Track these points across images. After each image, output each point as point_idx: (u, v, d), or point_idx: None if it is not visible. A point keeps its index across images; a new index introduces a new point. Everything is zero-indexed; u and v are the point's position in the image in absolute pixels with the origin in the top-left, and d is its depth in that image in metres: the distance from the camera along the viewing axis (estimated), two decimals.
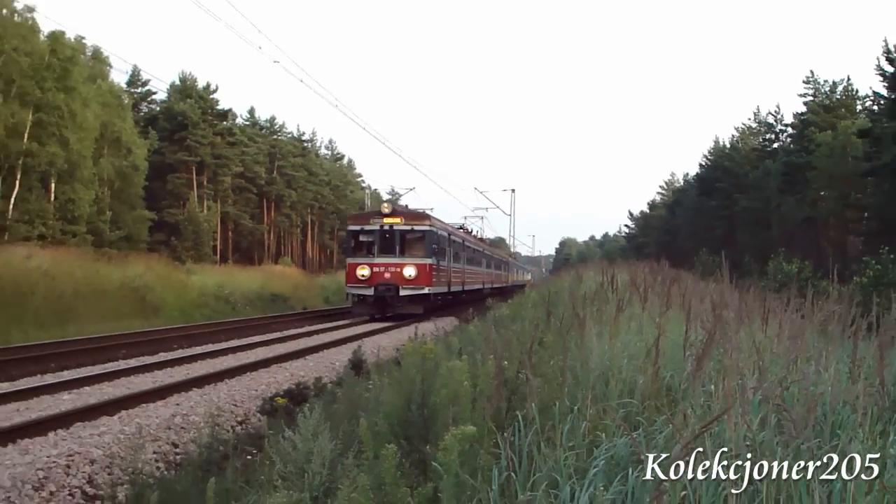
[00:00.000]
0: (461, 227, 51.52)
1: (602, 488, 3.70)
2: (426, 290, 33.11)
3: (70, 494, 8.19)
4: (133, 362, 17.28)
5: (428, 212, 38.46)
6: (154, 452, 9.85)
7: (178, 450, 10.14)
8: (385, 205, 35.51)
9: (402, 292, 32.45)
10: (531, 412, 4.69)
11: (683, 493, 3.48)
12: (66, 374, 15.35)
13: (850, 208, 62.93)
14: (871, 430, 4.44)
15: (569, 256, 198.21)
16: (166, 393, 13.28)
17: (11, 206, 48.32)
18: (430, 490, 3.93)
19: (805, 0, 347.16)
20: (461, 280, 43.16)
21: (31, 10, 50.85)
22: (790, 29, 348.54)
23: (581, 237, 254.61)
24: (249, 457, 8.18)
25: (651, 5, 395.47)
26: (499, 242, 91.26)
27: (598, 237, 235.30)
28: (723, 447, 4.00)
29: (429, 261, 33.41)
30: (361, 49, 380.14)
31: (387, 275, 32.55)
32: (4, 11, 49.23)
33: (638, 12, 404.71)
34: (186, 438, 10.42)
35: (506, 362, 5.76)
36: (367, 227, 33.95)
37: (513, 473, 4.20)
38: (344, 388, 10.28)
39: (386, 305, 32.75)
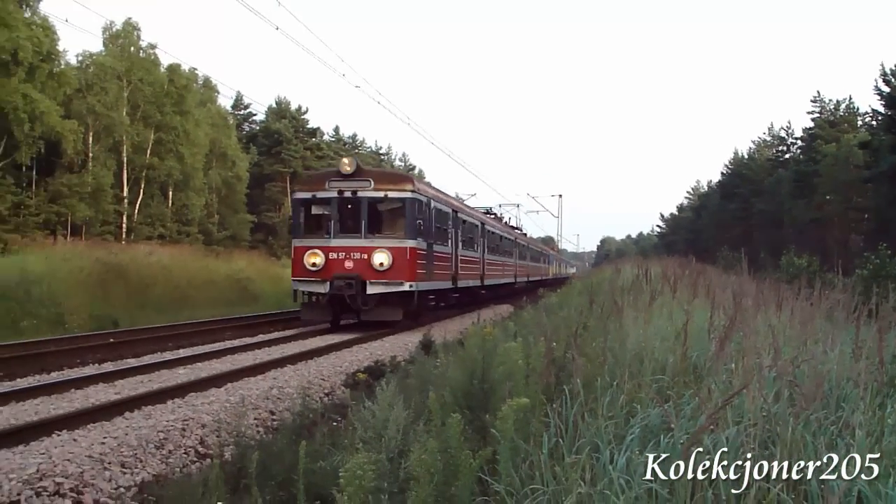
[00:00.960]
0: (488, 212, 38.16)
1: (637, 452, 3.69)
2: (408, 286, 19.72)
3: (185, 453, 8.30)
4: (237, 342, 17.40)
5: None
6: (255, 419, 9.92)
7: (274, 417, 10.20)
8: (346, 160, 20.46)
9: (371, 289, 19.31)
10: (576, 387, 4.68)
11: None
12: (182, 352, 15.52)
13: (852, 210, 62.19)
14: (871, 402, 4.39)
15: (608, 252, 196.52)
16: (265, 369, 13.34)
17: (136, 211, 49.69)
18: (490, 453, 3.92)
19: (813, 30, 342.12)
20: (478, 272, 28.88)
21: (153, 46, 52.58)
22: (800, 55, 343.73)
23: (619, 235, 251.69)
24: (335, 423, 8.19)
25: (679, 41, 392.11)
26: (548, 240, 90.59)
27: (633, 236, 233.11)
28: (742, 417, 3.98)
29: (411, 243, 19.97)
30: (429, 70, 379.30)
31: (348, 263, 19.42)
32: (132, 49, 50.58)
33: (666, 46, 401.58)
34: (282, 407, 10.46)
35: (554, 344, 5.75)
36: (320, 195, 20.39)
37: (560, 439, 4.20)
38: (415, 365, 10.27)
39: (346, 307, 19.82)
